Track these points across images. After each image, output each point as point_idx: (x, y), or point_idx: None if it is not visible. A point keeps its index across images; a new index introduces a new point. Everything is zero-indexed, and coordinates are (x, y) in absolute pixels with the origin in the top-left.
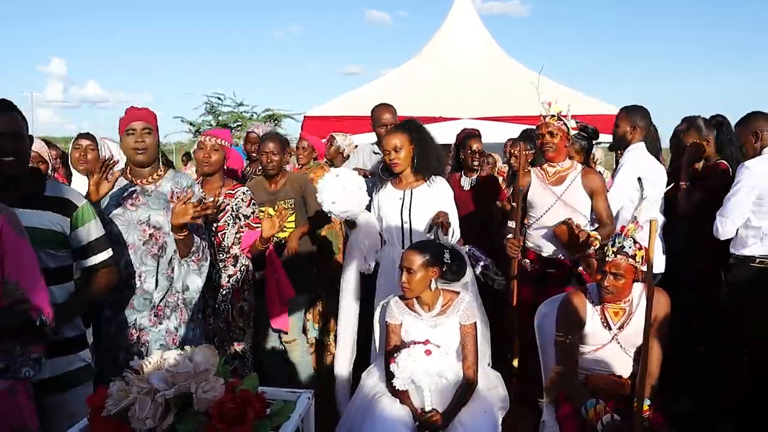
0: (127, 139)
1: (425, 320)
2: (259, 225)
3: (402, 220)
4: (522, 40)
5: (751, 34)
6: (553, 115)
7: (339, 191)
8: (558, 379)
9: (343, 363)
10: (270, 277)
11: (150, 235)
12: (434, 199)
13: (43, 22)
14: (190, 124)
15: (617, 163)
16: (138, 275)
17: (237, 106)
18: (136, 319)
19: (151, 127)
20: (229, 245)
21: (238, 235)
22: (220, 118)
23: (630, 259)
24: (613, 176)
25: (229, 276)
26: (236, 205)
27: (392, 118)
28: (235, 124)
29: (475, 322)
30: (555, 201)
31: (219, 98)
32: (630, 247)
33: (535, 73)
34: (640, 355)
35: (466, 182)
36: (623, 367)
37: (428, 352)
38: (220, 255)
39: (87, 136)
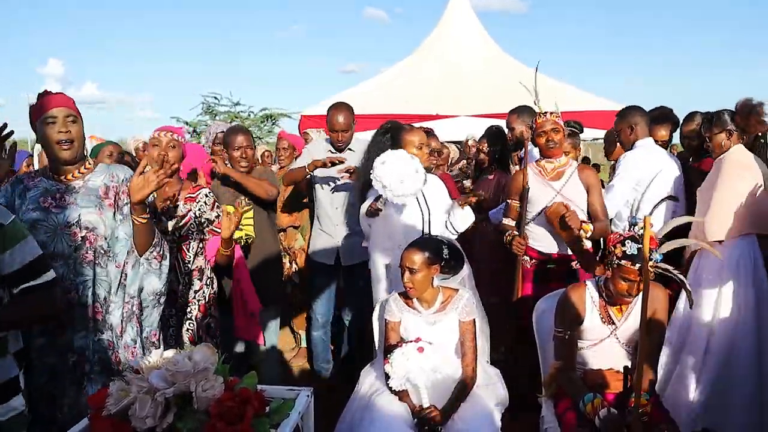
0: (47, 130)
1: (424, 317)
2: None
3: (423, 217)
4: (520, 36)
5: (753, 29)
6: (552, 112)
7: (399, 174)
8: (556, 374)
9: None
10: (236, 286)
11: (82, 238)
12: (440, 193)
13: (41, 24)
14: (187, 123)
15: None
16: (74, 289)
17: (233, 105)
18: (72, 340)
19: (76, 115)
20: (194, 256)
21: (202, 245)
22: (216, 117)
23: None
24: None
25: (195, 291)
26: (199, 209)
27: (345, 122)
28: (232, 124)
29: (474, 319)
30: (554, 196)
31: (216, 98)
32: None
33: (533, 70)
34: (643, 351)
35: None
36: (621, 361)
37: (420, 350)
38: (185, 268)
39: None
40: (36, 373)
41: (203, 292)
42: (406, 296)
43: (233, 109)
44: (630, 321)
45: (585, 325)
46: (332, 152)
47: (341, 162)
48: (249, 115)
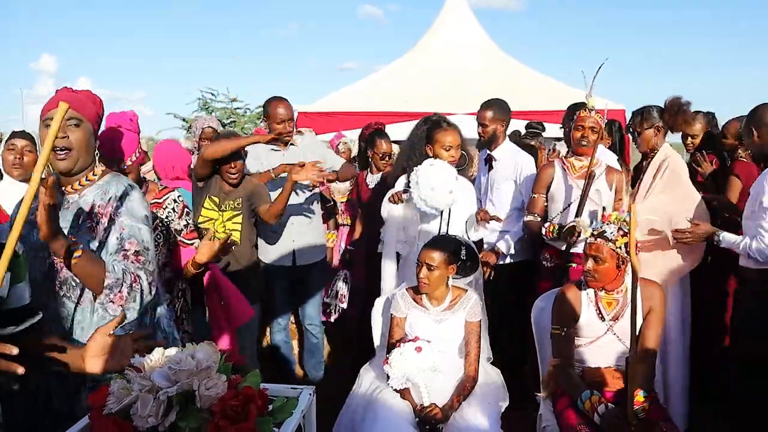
0: (43, 135)
1: (432, 315)
2: (195, 241)
3: (442, 217)
4: (518, 34)
5: (753, 26)
6: (597, 111)
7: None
8: (555, 372)
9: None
10: (213, 301)
11: (50, 264)
12: (466, 196)
13: (35, 19)
14: (183, 120)
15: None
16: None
17: (230, 102)
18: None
19: (81, 118)
20: (161, 267)
21: (170, 255)
22: (213, 114)
23: (610, 244)
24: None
25: (165, 306)
26: (167, 216)
27: (287, 112)
28: (228, 121)
29: (480, 320)
30: (578, 194)
31: (212, 94)
32: (612, 233)
33: (529, 68)
34: (636, 345)
35: (372, 180)
36: (621, 359)
37: (419, 349)
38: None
39: (23, 134)
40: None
41: (174, 307)
42: (415, 292)
43: (230, 106)
44: (627, 317)
45: (581, 322)
46: (275, 149)
47: (302, 165)
48: (245, 112)
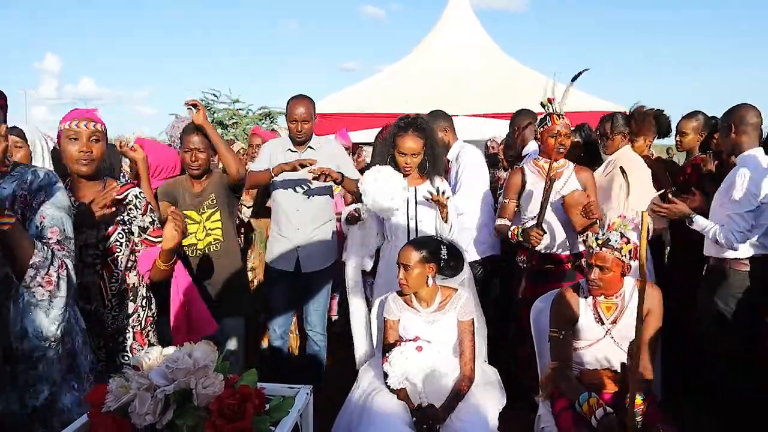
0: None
1: (423, 316)
2: (161, 238)
3: (408, 217)
4: (520, 36)
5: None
6: (560, 114)
7: (376, 184)
8: (553, 374)
9: (361, 359)
10: (180, 310)
11: None
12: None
13: (38, 19)
14: None
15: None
16: None
17: (232, 103)
18: None
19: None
20: (123, 272)
21: (133, 257)
22: (215, 115)
23: (616, 252)
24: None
25: (128, 316)
26: (128, 214)
27: (304, 112)
28: (231, 122)
29: (473, 319)
30: (553, 196)
31: (215, 95)
32: (616, 241)
33: (530, 69)
34: (637, 357)
35: None
36: (618, 361)
37: (419, 349)
38: (112, 287)
39: (13, 129)
40: None
41: (138, 316)
42: (405, 295)
43: (232, 107)
44: (624, 321)
45: (579, 325)
46: (291, 150)
47: (311, 164)
48: (247, 113)
